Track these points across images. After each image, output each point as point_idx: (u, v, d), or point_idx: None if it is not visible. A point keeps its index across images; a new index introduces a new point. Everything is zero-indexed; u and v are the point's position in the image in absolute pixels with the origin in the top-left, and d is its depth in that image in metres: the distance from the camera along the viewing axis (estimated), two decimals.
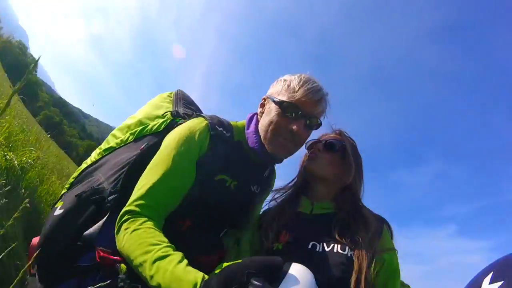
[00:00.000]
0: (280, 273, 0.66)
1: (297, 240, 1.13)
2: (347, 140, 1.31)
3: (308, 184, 1.31)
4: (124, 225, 0.89)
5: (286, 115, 1.12)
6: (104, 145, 1.29)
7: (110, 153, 1.23)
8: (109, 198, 1.04)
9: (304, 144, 1.30)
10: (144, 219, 0.89)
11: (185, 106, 1.38)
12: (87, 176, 1.17)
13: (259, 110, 1.25)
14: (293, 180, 1.36)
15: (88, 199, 1.05)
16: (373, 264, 1.04)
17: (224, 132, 1.15)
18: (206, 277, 0.70)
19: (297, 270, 0.68)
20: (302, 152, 1.37)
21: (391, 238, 1.21)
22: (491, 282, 0.74)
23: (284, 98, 1.13)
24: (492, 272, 0.76)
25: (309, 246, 1.10)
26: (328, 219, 1.18)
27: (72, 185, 1.19)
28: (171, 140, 1.08)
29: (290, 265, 0.69)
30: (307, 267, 0.95)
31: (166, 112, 1.31)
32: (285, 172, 1.42)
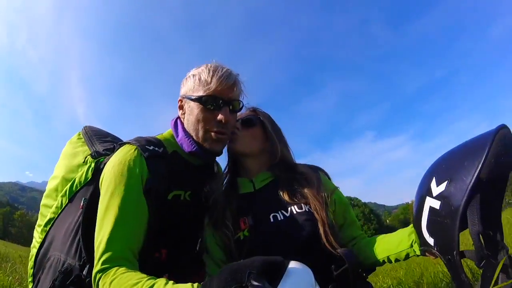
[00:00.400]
0: (281, 273, 0.63)
1: (257, 220, 1.14)
2: (262, 114, 1.34)
3: (239, 165, 1.31)
4: (100, 283, 0.85)
5: (208, 108, 1.11)
6: (41, 221, 1.21)
7: (52, 226, 1.17)
8: (83, 272, 1.00)
9: None
10: (115, 268, 0.86)
11: (101, 142, 1.31)
12: (44, 260, 1.12)
13: (179, 112, 1.22)
14: (226, 166, 1.35)
15: (64, 285, 1.00)
16: (329, 209, 1.14)
17: (156, 149, 1.10)
18: (196, 285, 0.69)
19: (295, 268, 0.65)
20: None
21: (329, 179, 1.31)
22: (438, 185, 0.80)
23: (201, 93, 1.11)
24: (434, 176, 0.81)
25: (271, 220, 1.12)
26: (273, 187, 1.21)
27: (34, 277, 1.13)
28: (108, 182, 1.00)
29: (288, 263, 0.66)
30: (279, 237, 1.08)
31: (86, 157, 1.23)
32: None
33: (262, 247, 1.09)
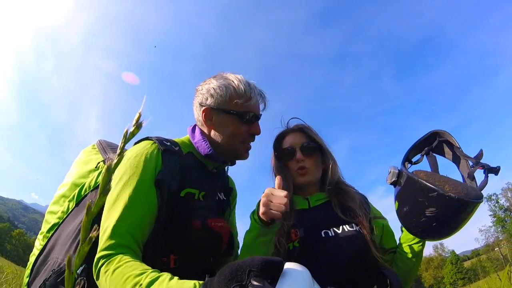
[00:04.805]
0: (280, 273, 0.62)
1: (309, 233, 1.17)
2: (316, 136, 1.34)
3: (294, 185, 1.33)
4: (103, 269, 0.82)
5: (245, 121, 1.15)
6: (45, 227, 1.15)
7: (55, 231, 1.10)
8: (77, 271, 0.92)
9: (275, 153, 1.42)
10: (120, 256, 0.82)
11: (114, 151, 1.29)
12: (41, 266, 1.04)
13: (207, 123, 1.18)
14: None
15: (55, 284, 0.94)
16: (374, 230, 1.22)
17: (173, 146, 1.10)
18: (201, 282, 0.69)
19: (292, 269, 0.65)
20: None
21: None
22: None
23: (241, 108, 1.14)
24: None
25: (323, 235, 1.16)
26: (326, 207, 1.27)
27: (29, 285, 1.05)
28: (121, 172, 0.99)
29: (284, 264, 0.65)
30: (327, 251, 1.12)
31: (98, 163, 1.22)
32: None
33: (310, 258, 1.12)
